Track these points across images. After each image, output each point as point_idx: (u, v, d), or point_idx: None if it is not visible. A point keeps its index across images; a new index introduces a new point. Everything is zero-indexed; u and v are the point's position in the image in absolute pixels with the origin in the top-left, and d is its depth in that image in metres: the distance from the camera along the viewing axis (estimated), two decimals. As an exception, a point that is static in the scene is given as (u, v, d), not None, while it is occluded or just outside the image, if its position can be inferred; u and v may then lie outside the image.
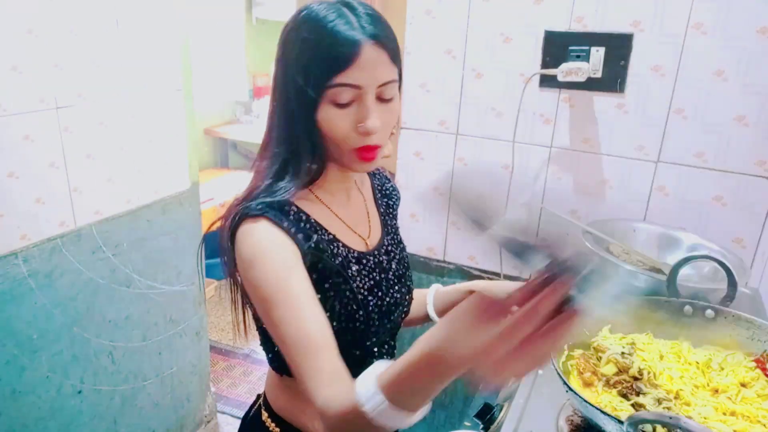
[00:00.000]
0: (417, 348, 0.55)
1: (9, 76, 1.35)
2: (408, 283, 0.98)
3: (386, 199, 1.04)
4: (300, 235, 0.78)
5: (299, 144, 0.81)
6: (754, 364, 0.86)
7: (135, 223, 1.78)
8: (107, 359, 1.75)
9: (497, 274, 1.72)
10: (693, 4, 1.33)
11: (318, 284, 0.80)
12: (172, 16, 1.78)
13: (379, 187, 1.03)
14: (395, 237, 1.00)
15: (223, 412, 2.46)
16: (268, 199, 0.79)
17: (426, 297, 1.10)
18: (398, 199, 1.07)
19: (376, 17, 0.78)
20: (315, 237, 0.81)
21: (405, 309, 0.98)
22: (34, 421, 1.55)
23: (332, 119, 0.77)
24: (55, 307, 1.55)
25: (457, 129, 1.66)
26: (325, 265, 0.82)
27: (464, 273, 1.78)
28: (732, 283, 1.00)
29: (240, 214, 0.78)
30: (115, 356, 1.78)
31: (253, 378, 2.77)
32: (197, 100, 1.95)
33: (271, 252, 0.75)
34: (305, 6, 0.79)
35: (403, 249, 1.02)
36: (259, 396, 1.00)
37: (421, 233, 1.81)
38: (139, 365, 1.88)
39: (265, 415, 0.95)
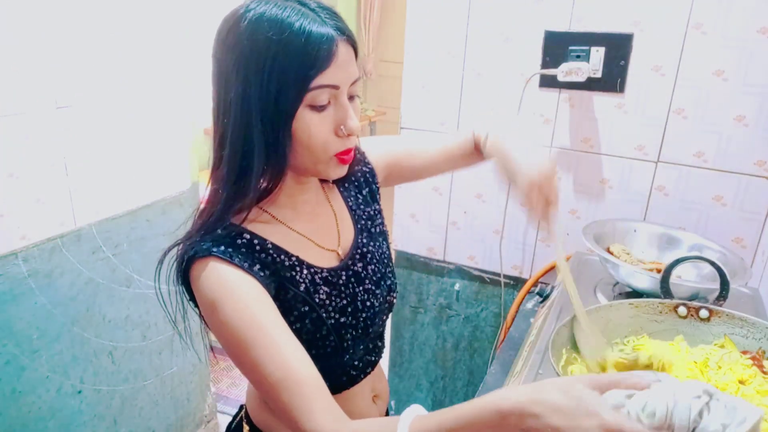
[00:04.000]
0: (481, 406, 0.55)
1: (9, 76, 1.35)
2: (389, 282, 0.91)
3: (352, 185, 0.93)
4: (256, 267, 0.72)
5: (264, 159, 0.71)
6: (750, 361, 0.87)
7: (135, 223, 1.78)
8: (107, 359, 1.75)
9: (497, 274, 1.72)
10: (693, 4, 1.33)
11: (283, 314, 0.73)
12: (173, 16, 1.78)
13: (341, 178, 0.91)
14: (372, 231, 0.91)
15: (223, 412, 2.46)
16: (217, 233, 0.73)
17: (469, 142, 1.02)
18: (369, 174, 0.94)
19: (333, 10, 0.70)
20: (273, 266, 0.74)
21: (387, 313, 0.92)
22: (34, 421, 1.54)
23: (311, 125, 0.70)
24: (55, 307, 1.55)
25: (457, 129, 1.66)
26: (289, 294, 0.76)
27: (464, 273, 1.78)
28: (724, 283, 1.00)
29: (187, 257, 0.72)
30: (115, 356, 1.78)
31: (253, 378, 2.76)
32: (197, 100, 1.95)
33: (233, 291, 0.68)
34: (245, 6, 0.69)
35: (384, 240, 0.93)
36: (242, 407, 0.95)
37: (421, 233, 1.81)
38: (139, 365, 1.88)
39: (246, 428, 0.91)
